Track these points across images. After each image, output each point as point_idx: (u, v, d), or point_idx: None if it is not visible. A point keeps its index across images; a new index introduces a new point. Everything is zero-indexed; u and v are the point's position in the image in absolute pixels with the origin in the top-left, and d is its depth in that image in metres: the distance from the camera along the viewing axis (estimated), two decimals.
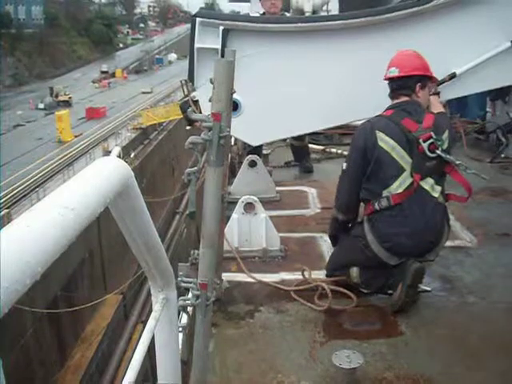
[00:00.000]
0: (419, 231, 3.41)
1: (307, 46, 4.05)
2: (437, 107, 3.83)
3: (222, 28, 3.80)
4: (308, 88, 4.10)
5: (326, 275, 3.91)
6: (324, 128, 4.36)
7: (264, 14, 6.29)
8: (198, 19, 3.89)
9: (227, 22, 3.85)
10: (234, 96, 3.89)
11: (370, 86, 3.81)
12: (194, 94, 3.80)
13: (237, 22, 3.90)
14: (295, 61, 4.07)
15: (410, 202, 3.45)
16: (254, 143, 4.55)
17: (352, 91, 3.79)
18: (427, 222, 3.44)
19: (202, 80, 3.78)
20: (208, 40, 3.84)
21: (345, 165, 3.70)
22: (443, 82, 3.97)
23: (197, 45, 3.91)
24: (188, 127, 2.50)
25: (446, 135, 3.51)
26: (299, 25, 4.04)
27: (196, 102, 3.78)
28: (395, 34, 3.91)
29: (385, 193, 3.49)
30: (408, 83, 3.57)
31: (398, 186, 3.45)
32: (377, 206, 3.52)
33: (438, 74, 3.93)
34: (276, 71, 4.09)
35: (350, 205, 3.75)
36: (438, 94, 3.92)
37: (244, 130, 4.11)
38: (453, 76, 4.00)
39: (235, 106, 4.00)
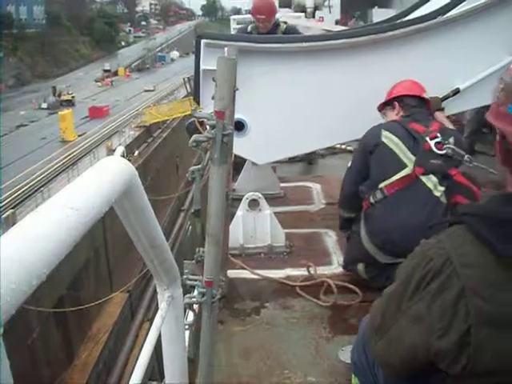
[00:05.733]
0: (413, 228, 3.08)
1: (311, 65, 4.07)
2: (447, 124, 3.82)
3: (226, 49, 3.80)
4: (313, 107, 4.12)
5: (343, 267, 3.97)
6: (329, 145, 4.38)
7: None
8: (203, 41, 3.89)
9: (232, 43, 3.84)
10: (240, 116, 3.93)
11: (375, 103, 3.80)
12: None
13: (242, 43, 3.89)
14: (300, 80, 4.09)
15: (405, 193, 3.37)
16: (260, 162, 4.56)
17: (357, 108, 3.80)
18: (423, 220, 3.18)
19: (208, 100, 3.77)
20: (213, 61, 3.83)
21: (350, 163, 3.78)
22: (447, 98, 3.98)
23: (202, 66, 3.91)
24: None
25: (452, 140, 3.45)
26: (303, 44, 4.05)
27: (202, 123, 3.76)
28: (399, 51, 3.93)
29: (381, 185, 3.46)
30: (422, 105, 3.67)
31: (395, 178, 3.43)
32: (372, 199, 3.48)
33: (442, 89, 3.98)
34: (281, 90, 4.10)
35: (351, 201, 3.75)
36: (442, 109, 3.92)
37: (250, 149, 4.15)
38: (456, 91, 4.02)
39: (241, 126, 4.01)
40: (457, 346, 1.39)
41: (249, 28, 6.23)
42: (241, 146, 3.99)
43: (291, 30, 6.27)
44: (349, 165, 3.78)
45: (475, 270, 1.39)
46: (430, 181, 3.36)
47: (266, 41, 4.29)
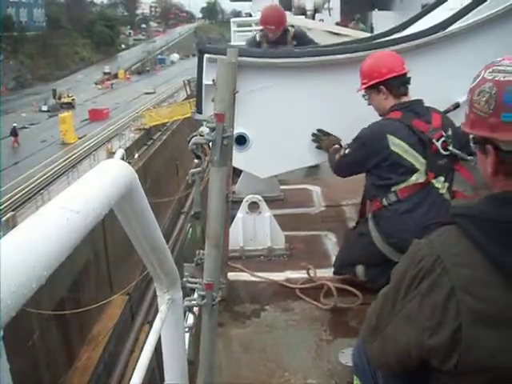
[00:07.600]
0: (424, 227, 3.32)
1: (313, 79, 4.07)
2: None
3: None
4: (315, 120, 4.12)
5: (334, 273, 3.92)
6: None
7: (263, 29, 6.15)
8: (205, 56, 3.89)
9: None
10: (242, 130, 3.93)
11: (375, 117, 3.79)
12: (201, 128, 3.81)
13: (244, 58, 3.88)
14: (302, 94, 4.09)
15: (418, 197, 3.45)
16: (263, 176, 4.55)
17: (359, 121, 3.79)
18: (432, 218, 3.41)
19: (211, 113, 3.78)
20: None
21: (348, 150, 3.68)
22: (448, 112, 3.98)
23: (205, 82, 3.91)
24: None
25: (450, 133, 3.50)
26: (305, 59, 4.06)
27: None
28: None
29: (393, 188, 3.48)
30: (407, 80, 3.57)
31: (408, 182, 3.46)
32: (385, 202, 3.51)
33: (443, 103, 3.94)
34: (283, 105, 4.10)
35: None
36: None
37: (253, 163, 4.16)
38: (457, 106, 4.02)
39: (243, 140, 4.02)
40: (448, 344, 1.41)
41: (257, 37, 6.21)
42: (243, 160, 4.02)
43: (299, 34, 6.22)
44: (346, 152, 3.70)
45: (466, 269, 1.41)
46: (439, 182, 3.48)
47: (269, 55, 4.30)
